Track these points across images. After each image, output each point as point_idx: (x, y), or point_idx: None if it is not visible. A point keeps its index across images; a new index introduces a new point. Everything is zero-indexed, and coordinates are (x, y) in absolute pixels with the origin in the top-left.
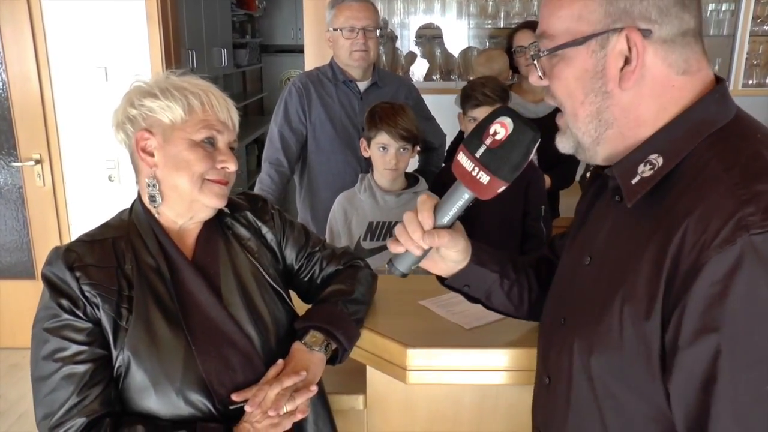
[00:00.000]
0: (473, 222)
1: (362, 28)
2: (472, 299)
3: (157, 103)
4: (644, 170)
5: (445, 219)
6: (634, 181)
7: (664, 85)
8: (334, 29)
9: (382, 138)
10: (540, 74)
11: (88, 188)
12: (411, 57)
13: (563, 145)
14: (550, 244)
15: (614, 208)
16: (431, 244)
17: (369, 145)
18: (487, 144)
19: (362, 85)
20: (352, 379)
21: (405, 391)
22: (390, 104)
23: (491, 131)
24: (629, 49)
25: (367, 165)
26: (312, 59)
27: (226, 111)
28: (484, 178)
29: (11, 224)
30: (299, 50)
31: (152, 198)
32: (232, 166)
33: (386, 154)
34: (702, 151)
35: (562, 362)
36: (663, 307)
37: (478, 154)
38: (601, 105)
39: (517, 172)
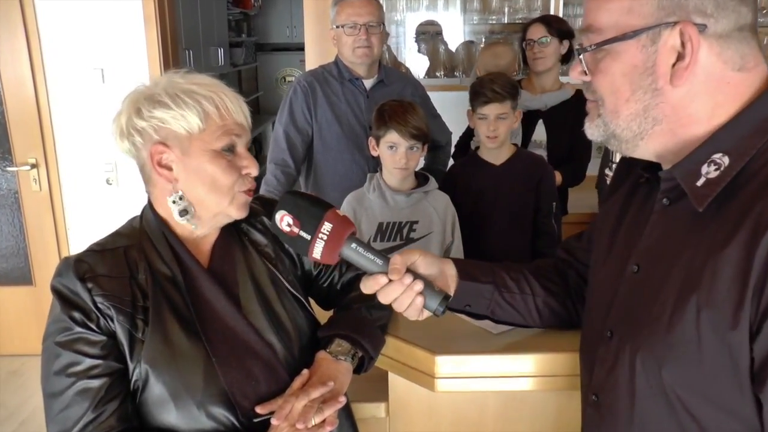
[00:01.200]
0: (484, 219)
1: (364, 24)
2: (478, 317)
3: (170, 113)
4: (709, 171)
5: (374, 268)
6: (699, 183)
7: (718, 82)
8: (337, 26)
9: (392, 137)
10: (584, 69)
11: (85, 192)
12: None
13: (592, 132)
14: (566, 246)
15: (664, 212)
16: (402, 270)
17: (378, 144)
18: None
19: (368, 83)
20: (374, 386)
21: (428, 398)
22: (399, 102)
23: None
24: (683, 44)
25: (374, 164)
26: (313, 57)
27: (241, 111)
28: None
29: (7, 230)
30: (295, 48)
31: (183, 212)
32: (254, 171)
33: (396, 153)
34: None
35: (616, 378)
36: (752, 314)
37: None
38: (649, 102)
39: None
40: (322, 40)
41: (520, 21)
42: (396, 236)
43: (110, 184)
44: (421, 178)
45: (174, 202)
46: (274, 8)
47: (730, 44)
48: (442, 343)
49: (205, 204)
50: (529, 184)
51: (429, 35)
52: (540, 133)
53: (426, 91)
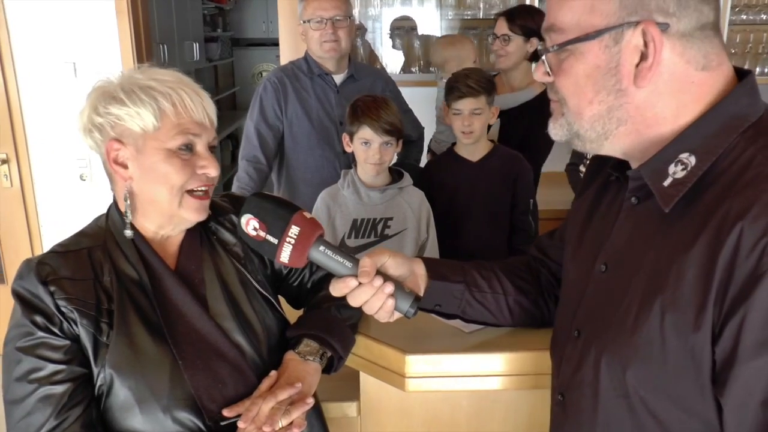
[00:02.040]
0: (460, 216)
1: (330, 18)
2: (449, 317)
3: (125, 110)
4: (676, 170)
5: (343, 271)
6: (666, 183)
7: (682, 82)
8: (304, 21)
9: (365, 133)
10: (547, 70)
11: (58, 188)
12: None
13: (556, 132)
14: (538, 244)
15: (632, 210)
16: (371, 273)
17: (351, 140)
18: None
19: (338, 78)
20: (345, 385)
21: (400, 397)
22: (372, 97)
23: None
24: (645, 44)
25: (346, 160)
26: (287, 52)
27: (201, 108)
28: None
29: None
30: (271, 43)
31: (125, 214)
32: (213, 171)
33: (369, 149)
34: (740, 148)
35: (581, 378)
36: (715, 316)
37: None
38: (613, 103)
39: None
40: (296, 35)
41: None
42: (370, 233)
43: (84, 180)
44: (395, 174)
45: (125, 199)
46: (250, 3)
47: (693, 43)
48: (413, 343)
49: (158, 203)
50: (506, 181)
51: (404, 30)
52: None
53: (397, 86)
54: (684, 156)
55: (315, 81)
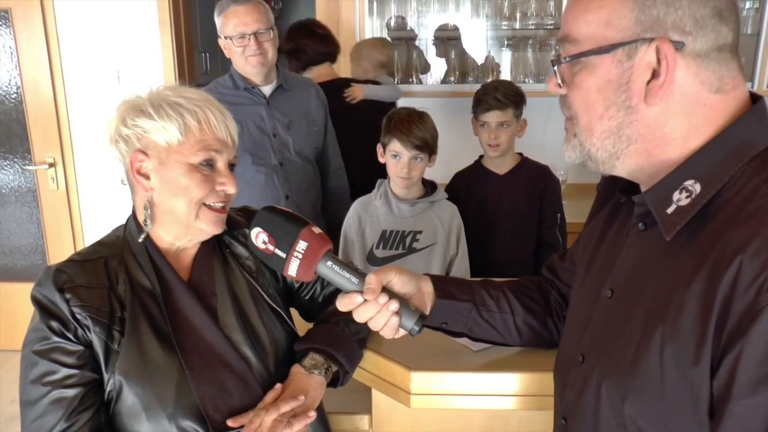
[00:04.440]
0: (487, 228)
1: (253, 32)
2: (456, 335)
3: (152, 124)
4: (680, 198)
5: (349, 286)
6: (669, 211)
7: (694, 103)
8: (226, 37)
9: (395, 145)
10: (559, 81)
11: (100, 191)
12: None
13: (569, 154)
14: (549, 265)
15: (639, 236)
16: (377, 290)
17: (384, 151)
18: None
19: (267, 90)
20: (358, 398)
21: (412, 412)
22: (408, 111)
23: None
24: (658, 61)
25: (284, 172)
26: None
27: (225, 127)
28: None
29: (26, 227)
30: None
31: (144, 222)
32: (231, 189)
33: (399, 162)
34: (745, 177)
35: (583, 404)
36: (713, 350)
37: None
38: (623, 120)
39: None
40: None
41: (533, 27)
42: (399, 245)
43: (124, 184)
44: (428, 187)
45: (145, 208)
46: (296, 12)
47: (708, 64)
48: (420, 359)
49: (176, 215)
50: (533, 194)
51: (442, 40)
52: None
53: (326, 97)
54: (689, 183)
55: (242, 95)
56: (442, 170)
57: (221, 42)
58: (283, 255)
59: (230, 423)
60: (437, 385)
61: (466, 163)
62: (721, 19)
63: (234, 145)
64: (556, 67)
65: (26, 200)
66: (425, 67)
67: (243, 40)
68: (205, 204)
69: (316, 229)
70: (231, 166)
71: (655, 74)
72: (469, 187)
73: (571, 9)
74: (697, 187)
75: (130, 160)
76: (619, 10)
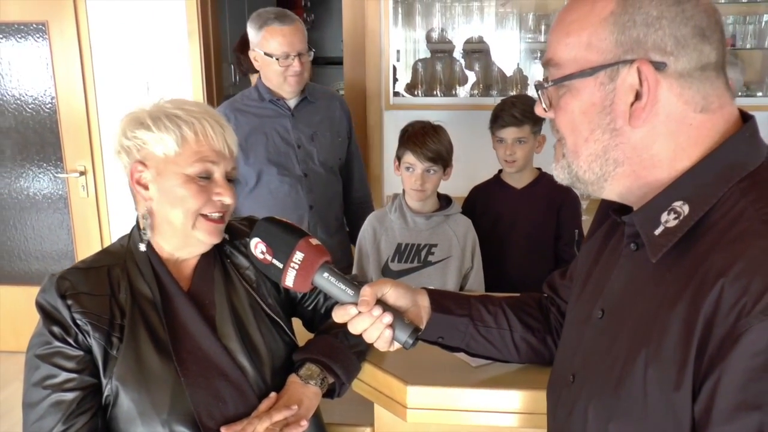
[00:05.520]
0: (502, 243)
1: (297, 53)
2: (453, 349)
3: (150, 135)
4: (668, 219)
5: (345, 298)
6: (657, 232)
7: (680, 123)
8: (266, 53)
9: (408, 158)
10: (544, 106)
11: (128, 200)
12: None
13: (558, 174)
14: (550, 282)
15: (631, 257)
16: (371, 303)
17: (399, 164)
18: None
19: (292, 102)
20: (360, 410)
21: (414, 427)
22: (422, 124)
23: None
24: (640, 83)
25: (308, 183)
26: (350, 72)
27: (222, 139)
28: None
29: (57, 233)
30: None
31: (144, 231)
32: (228, 199)
33: (412, 174)
34: (733, 198)
35: (572, 424)
36: (694, 375)
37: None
38: (608, 143)
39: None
40: (359, 53)
41: None
42: (414, 258)
43: None
44: (443, 201)
45: (143, 217)
46: (329, 22)
47: (692, 84)
48: (418, 373)
49: (174, 225)
50: (551, 210)
51: (470, 53)
52: None
53: (350, 109)
54: (677, 204)
55: (267, 107)
56: (468, 183)
57: (254, 54)
58: (281, 265)
59: (223, 430)
60: (433, 400)
61: (492, 176)
62: (703, 38)
63: (232, 156)
64: (539, 92)
65: (58, 207)
66: (462, 80)
67: (287, 60)
68: (202, 214)
69: (314, 241)
70: (230, 181)
71: (638, 96)
72: (486, 201)
73: (553, 32)
74: (686, 209)
75: (130, 170)
76: (600, 32)
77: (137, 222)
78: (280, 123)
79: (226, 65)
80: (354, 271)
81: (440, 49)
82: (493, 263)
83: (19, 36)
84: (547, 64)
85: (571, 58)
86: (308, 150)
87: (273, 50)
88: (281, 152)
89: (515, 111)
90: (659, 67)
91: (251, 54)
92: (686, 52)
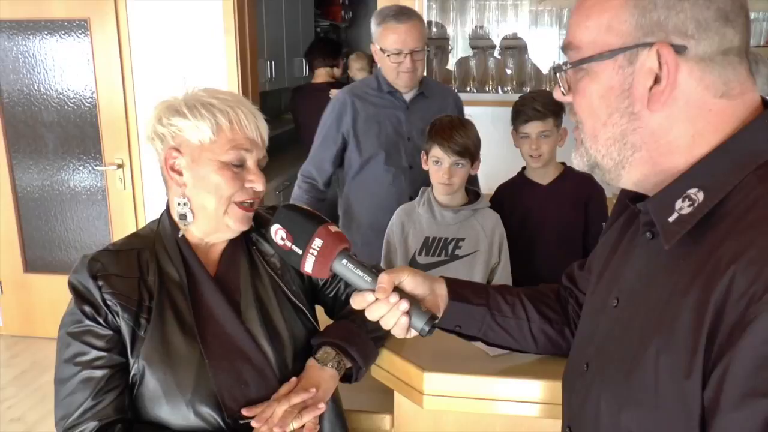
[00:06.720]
0: (531, 240)
1: (410, 51)
2: (470, 338)
3: (185, 123)
4: (682, 206)
5: (363, 285)
6: (671, 219)
7: (699, 109)
8: (381, 49)
9: (436, 151)
10: (563, 89)
11: (163, 191)
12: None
13: (577, 161)
14: (569, 273)
15: (646, 245)
16: (388, 290)
17: (427, 158)
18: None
19: (408, 96)
20: (380, 398)
21: (434, 413)
22: (450, 118)
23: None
24: (660, 66)
25: (413, 175)
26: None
27: (255, 127)
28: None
29: (95, 224)
30: None
31: (182, 216)
32: (259, 186)
33: (440, 168)
34: (750, 186)
35: (586, 413)
36: (704, 362)
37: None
38: (626, 127)
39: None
40: None
41: None
42: (441, 252)
43: None
44: (472, 195)
45: (179, 204)
46: (365, 20)
47: (713, 68)
48: (435, 361)
49: (207, 210)
50: (578, 204)
51: (504, 49)
52: None
53: (463, 105)
54: (692, 191)
55: (384, 98)
56: (498, 180)
57: (374, 48)
58: (300, 251)
59: (245, 412)
60: (450, 387)
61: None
62: (726, 22)
63: (263, 144)
64: (559, 75)
65: (96, 199)
66: (501, 77)
67: (399, 57)
68: (234, 201)
69: (333, 228)
70: (259, 168)
71: (657, 79)
72: (513, 199)
73: (574, 15)
74: (700, 196)
75: (164, 156)
76: (621, 14)
77: (167, 207)
78: (394, 114)
79: (262, 61)
80: (382, 264)
81: (476, 45)
82: (524, 261)
83: (63, 32)
84: (566, 47)
85: (591, 40)
86: (417, 144)
87: (386, 46)
88: (391, 142)
89: (537, 105)
90: (680, 50)
91: (372, 47)
92: (708, 35)
